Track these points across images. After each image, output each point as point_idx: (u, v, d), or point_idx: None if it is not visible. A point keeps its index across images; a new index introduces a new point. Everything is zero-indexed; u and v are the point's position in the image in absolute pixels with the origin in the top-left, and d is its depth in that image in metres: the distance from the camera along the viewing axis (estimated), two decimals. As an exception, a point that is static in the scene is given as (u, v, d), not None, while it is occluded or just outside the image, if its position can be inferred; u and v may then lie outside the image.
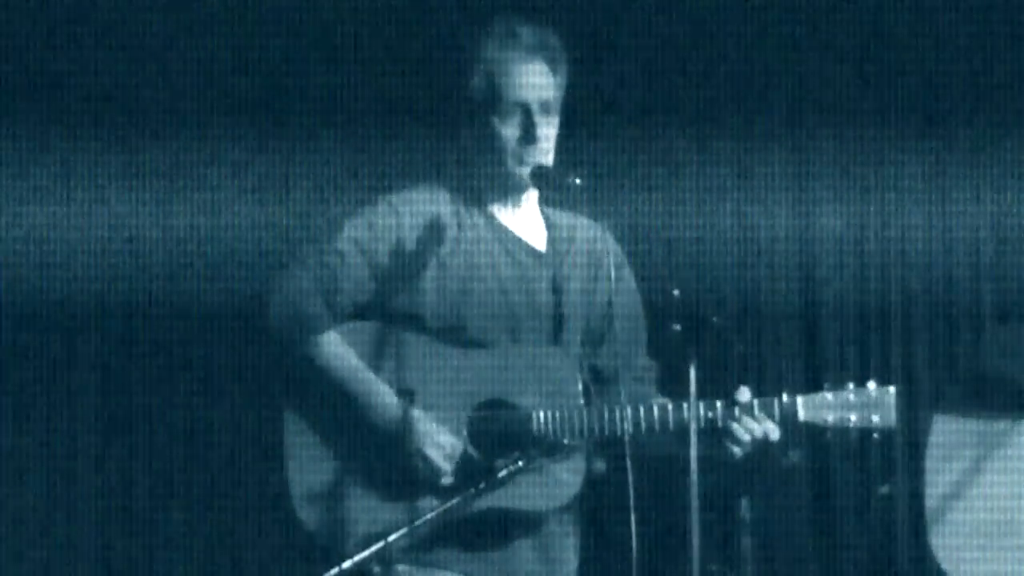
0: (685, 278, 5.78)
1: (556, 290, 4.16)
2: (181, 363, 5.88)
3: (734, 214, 5.94)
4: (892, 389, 4.08)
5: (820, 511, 5.90)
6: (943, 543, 4.31)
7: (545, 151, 4.10)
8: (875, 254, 5.95)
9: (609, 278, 4.15)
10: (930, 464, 4.35)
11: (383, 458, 3.99)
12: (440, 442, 3.98)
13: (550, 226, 4.23)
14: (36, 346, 5.82)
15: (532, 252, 4.18)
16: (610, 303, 4.16)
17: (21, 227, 5.77)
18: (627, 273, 4.27)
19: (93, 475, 5.86)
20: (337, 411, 4.02)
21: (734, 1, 5.88)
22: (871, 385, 4.09)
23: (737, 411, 4.01)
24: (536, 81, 4.10)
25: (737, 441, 4.01)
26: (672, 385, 4.07)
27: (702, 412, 3.98)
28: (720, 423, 4.01)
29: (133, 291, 5.85)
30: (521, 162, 4.08)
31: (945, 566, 4.30)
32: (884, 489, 5.82)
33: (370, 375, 4.02)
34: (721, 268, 5.92)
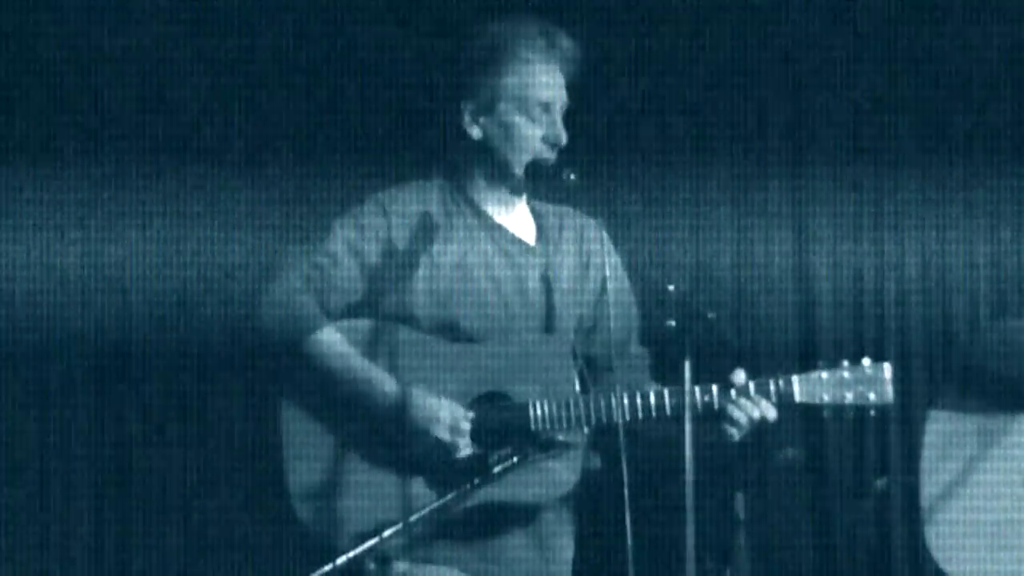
0: (680, 275, 5.78)
1: (547, 283, 4.16)
2: (179, 361, 5.88)
3: (731, 214, 5.94)
4: (887, 365, 4.06)
5: (816, 507, 5.90)
6: (939, 539, 4.30)
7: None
8: (870, 255, 5.95)
9: (600, 267, 4.17)
10: (926, 460, 4.34)
11: (389, 445, 3.99)
12: (444, 417, 3.97)
13: (539, 219, 4.24)
14: (32, 343, 5.82)
15: (522, 246, 4.18)
16: (602, 292, 4.18)
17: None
18: (617, 262, 4.27)
19: (90, 469, 5.86)
20: (336, 406, 4.02)
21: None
22: (866, 362, 4.07)
23: (733, 393, 4.01)
24: (562, 83, 4.14)
25: (734, 423, 4.01)
26: (667, 381, 4.06)
27: (698, 396, 3.98)
28: (717, 406, 4.00)
29: (130, 294, 5.86)
30: (539, 159, 4.09)
31: (941, 562, 4.30)
32: (880, 483, 5.82)
33: (369, 365, 4.02)
34: (716, 265, 5.92)
